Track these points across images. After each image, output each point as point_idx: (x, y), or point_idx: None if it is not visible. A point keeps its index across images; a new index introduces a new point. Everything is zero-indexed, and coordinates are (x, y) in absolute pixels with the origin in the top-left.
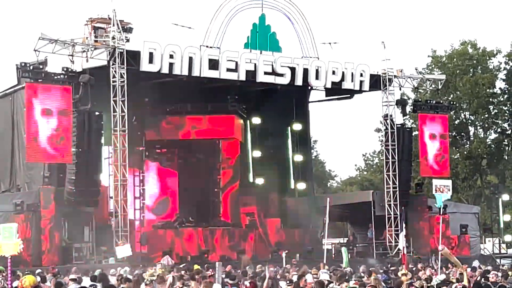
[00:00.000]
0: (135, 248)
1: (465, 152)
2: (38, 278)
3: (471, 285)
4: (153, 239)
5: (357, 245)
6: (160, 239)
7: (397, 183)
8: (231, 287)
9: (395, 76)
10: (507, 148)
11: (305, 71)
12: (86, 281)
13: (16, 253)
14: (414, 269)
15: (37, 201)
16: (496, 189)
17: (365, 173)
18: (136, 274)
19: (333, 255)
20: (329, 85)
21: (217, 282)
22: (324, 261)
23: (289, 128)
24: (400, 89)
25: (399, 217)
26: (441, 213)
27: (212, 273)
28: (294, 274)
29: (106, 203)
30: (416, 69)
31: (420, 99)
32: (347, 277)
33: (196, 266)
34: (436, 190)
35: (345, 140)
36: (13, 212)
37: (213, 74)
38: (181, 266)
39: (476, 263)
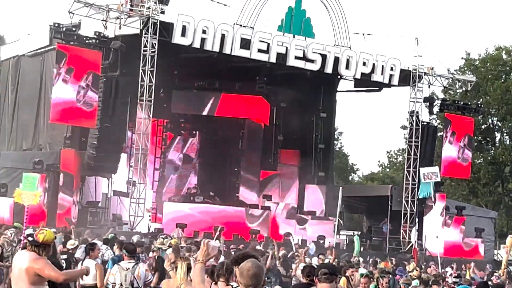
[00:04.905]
0: (150, 219)
1: (489, 158)
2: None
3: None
4: (168, 212)
5: (372, 238)
6: (175, 212)
7: (416, 180)
8: None
9: (425, 73)
10: None
11: (336, 60)
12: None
13: (35, 204)
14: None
15: (56, 162)
16: None
17: (387, 170)
18: (143, 242)
19: (345, 245)
20: (358, 76)
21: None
22: (333, 249)
23: (314, 115)
24: (429, 87)
25: (415, 213)
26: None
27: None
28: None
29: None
30: (448, 70)
31: (448, 99)
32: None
33: None
34: (424, 178)
35: (370, 134)
36: (31, 170)
37: (244, 53)
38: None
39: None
